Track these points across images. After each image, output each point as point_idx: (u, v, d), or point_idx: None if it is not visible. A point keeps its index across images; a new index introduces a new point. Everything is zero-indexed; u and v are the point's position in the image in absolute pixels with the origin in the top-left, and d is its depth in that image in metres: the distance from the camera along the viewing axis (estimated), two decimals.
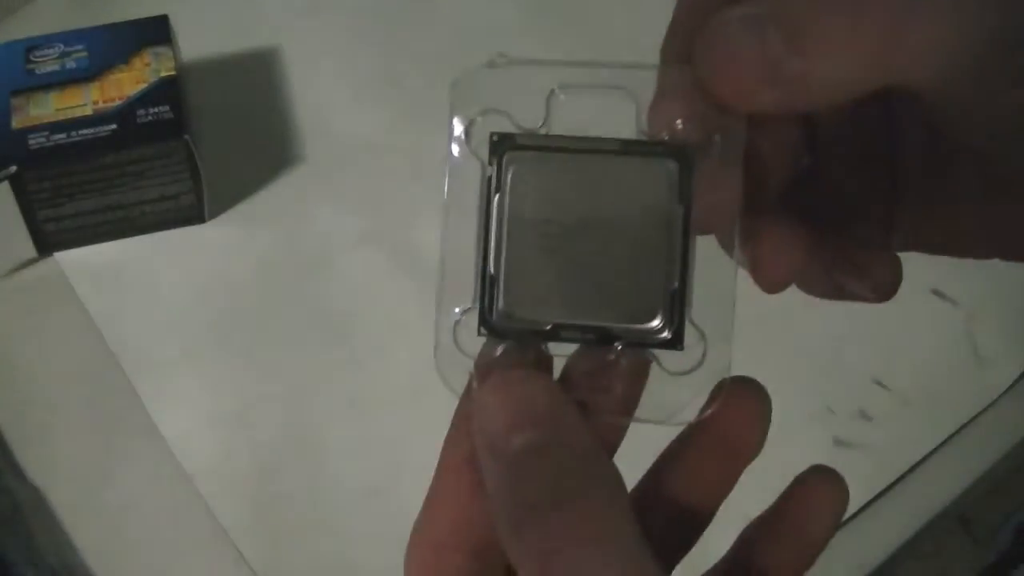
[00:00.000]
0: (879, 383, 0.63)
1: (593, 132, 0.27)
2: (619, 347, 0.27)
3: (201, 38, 0.72)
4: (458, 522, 0.27)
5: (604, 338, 0.27)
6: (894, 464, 0.61)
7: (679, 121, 0.27)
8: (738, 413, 0.28)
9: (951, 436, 0.62)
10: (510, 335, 0.27)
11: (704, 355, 0.27)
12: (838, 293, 0.31)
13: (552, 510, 0.24)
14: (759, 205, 0.28)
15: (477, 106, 0.28)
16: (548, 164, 0.27)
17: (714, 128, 0.27)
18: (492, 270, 0.27)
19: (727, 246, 0.28)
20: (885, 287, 0.31)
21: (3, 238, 0.65)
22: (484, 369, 0.27)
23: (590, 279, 0.27)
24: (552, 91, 0.28)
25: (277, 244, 0.67)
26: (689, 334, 0.27)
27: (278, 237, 0.67)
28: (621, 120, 0.28)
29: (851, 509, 0.60)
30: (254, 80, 0.74)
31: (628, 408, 0.28)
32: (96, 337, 0.63)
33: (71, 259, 0.66)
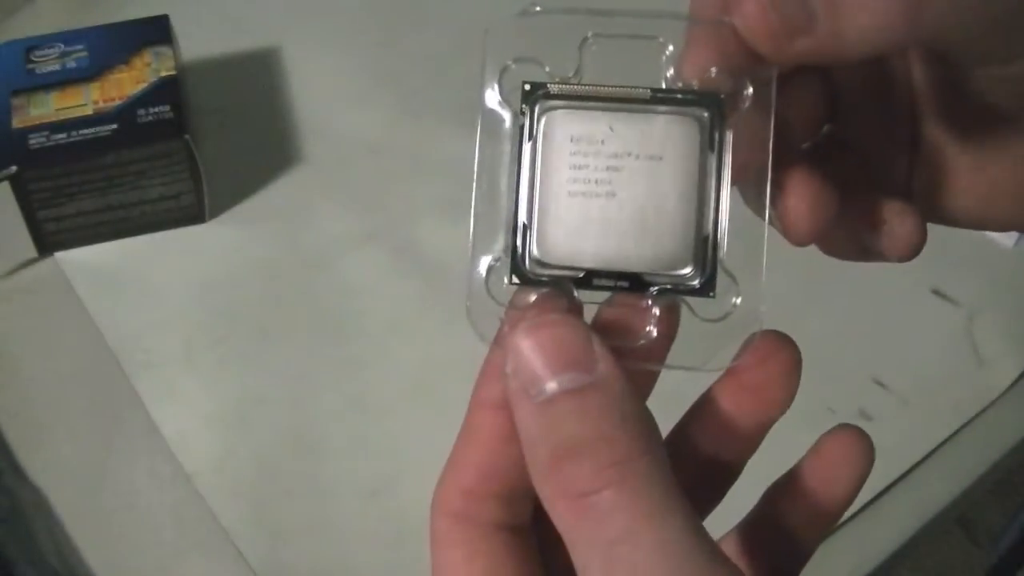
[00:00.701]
0: (879, 383, 0.63)
1: (624, 81, 0.27)
2: (652, 293, 0.27)
3: (201, 38, 0.72)
4: (486, 468, 0.27)
5: (636, 285, 0.27)
6: (894, 464, 0.61)
7: (711, 70, 0.27)
8: (769, 365, 0.29)
9: (951, 436, 0.62)
10: (542, 283, 0.27)
11: (736, 303, 0.27)
12: (863, 254, 0.31)
13: (589, 451, 0.24)
14: (786, 164, 0.28)
15: (510, 54, 0.28)
16: (580, 112, 0.27)
17: (744, 79, 0.27)
18: (524, 218, 0.27)
19: (753, 201, 0.28)
20: (910, 244, 0.31)
21: (3, 238, 0.65)
22: (516, 316, 0.27)
23: (622, 227, 0.27)
24: (584, 39, 0.28)
25: (277, 244, 0.67)
26: (721, 283, 0.27)
27: (278, 237, 0.67)
28: (652, 69, 0.28)
29: (851, 509, 0.60)
30: (254, 80, 0.74)
31: (660, 355, 0.28)
32: (96, 337, 0.63)
33: (71, 259, 0.66)
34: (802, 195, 0.28)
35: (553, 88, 0.28)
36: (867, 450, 0.30)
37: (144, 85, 0.64)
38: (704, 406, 0.30)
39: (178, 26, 0.68)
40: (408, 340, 0.63)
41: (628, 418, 0.25)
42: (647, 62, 0.28)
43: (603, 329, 0.27)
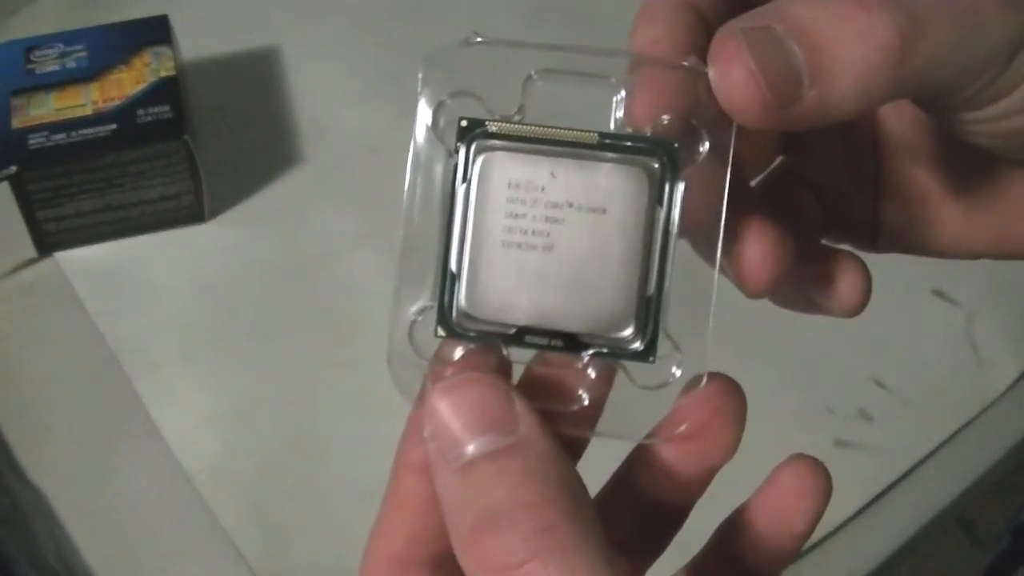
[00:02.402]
0: (879, 383, 0.63)
1: (571, 123, 0.25)
2: (587, 356, 0.26)
3: (201, 38, 0.72)
4: (415, 534, 0.26)
5: (571, 345, 0.26)
6: (894, 464, 0.61)
7: (664, 117, 0.25)
8: (713, 417, 0.27)
9: (951, 436, 0.62)
10: (470, 337, 0.26)
11: (675, 373, 0.26)
12: (806, 306, 0.30)
13: (510, 520, 0.23)
14: (737, 205, 0.27)
15: (448, 87, 0.26)
16: (520, 155, 0.25)
17: (701, 129, 0.25)
18: (454, 266, 0.25)
19: (704, 251, 0.27)
20: (852, 304, 0.30)
21: (3, 238, 0.65)
22: (439, 372, 0.25)
23: (559, 282, 0.25)
24: (529, 76, 0.26)
25: (277, 244, 0.67)
26: (663, 347, 0.26)
27: (278, 237, 0.67)
28: (601, 112, 0.26)
29: (851, 509, 0.60)
30: (254, 80, 0.74)
31: (591, 420, 0.26)
32: (96, 337, 0.63)
33: (71, 259, 0.66)
34: (759, 244, 0.27)
35: (492, 127, 0.25)
36: (823, 482, 0.28)
37: (144, 85, 0.64)
38: (645, 455, 0.28)
39: (178, 26, 0.68)
40: None
41: (552, 482, 0.23)
42: (596, 103, 0.26)
43: (532, 390, 0.25)
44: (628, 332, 0.26)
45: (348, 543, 0.59)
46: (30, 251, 0.65)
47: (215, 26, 0.75)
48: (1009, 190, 0.31)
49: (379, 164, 0.70)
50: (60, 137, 0.62)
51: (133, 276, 0.66)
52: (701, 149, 0.25)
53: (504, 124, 0.25)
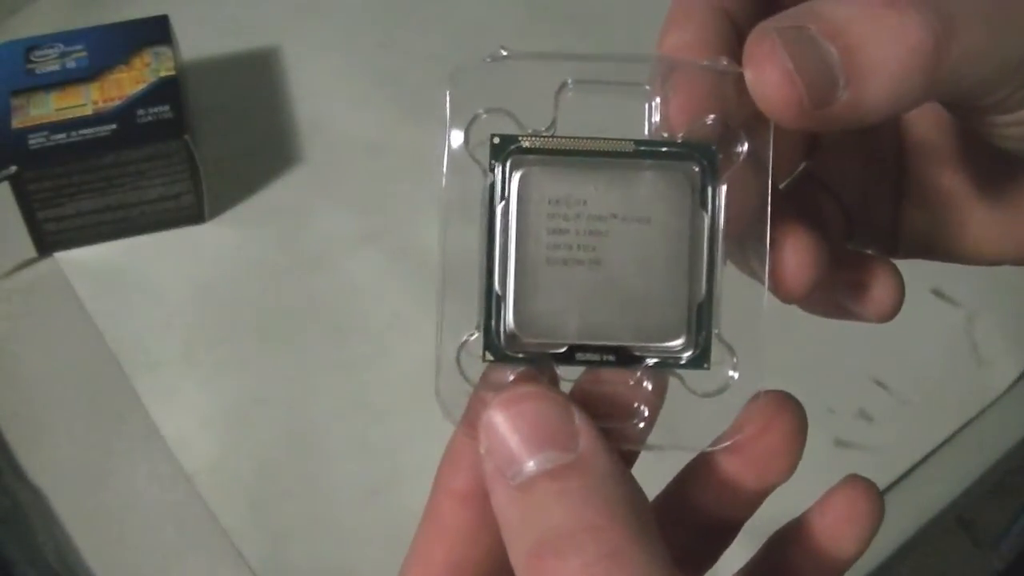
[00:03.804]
0: (879, 383, 0.63)
1: (605, 133, 0.25)
2: (642, 367, 0.25)
3: (201, 38, 0.72)
4: (456, 564, 0.26)
5: (623, 359, 0.25)
6: (894, 464, 0.61)
7: (701, 120, 0.25)
8: (770, 436, 0.27)
9: (951, 436, 0.62)
10: (519, 359, 0.25)
11: (733, 377, 0.25)
12: (838, 312, 0.30)
13: (574, 544, 0.22)
14: (773, 213, 0.27)
15: (477, 103, 0.25)
16: (556, 169, 0.25)
17: (739, 130, 0.25)
18: (498, 288, 0.25)
19: (737, 257, 0.27)
20: (886, 309, 0.30)
21: (3, 238, 0.65)
22: (487, 395, 0.24)
23: (606, 295, 0.25)
24: (561, 87, 0.25)
25: (277, 244, 0.67)
26: (716, 354, 0.25)
27: (278, 237, 0.67)
28: (636, 119, 0.25)
29: None
30: (254, 80, 0.74)
31: (644, 433, 0.26)
32: (96, 337, 0.63)
33: (71, 259, 0.66)
34: (796, 249, 0.27)
35: (525, 142, 0.25)
36: (877, 505, 0.28)
37: (144, 85, 0.64)
38: (702, 467, 0.28)
39: (178, 26, 0.68)
40: (408, 340, 0.63)
41: (616, 502, 0.22)
42: (628, 112, 0.25)
43: (586, 408, 0.24)
44: (681, 341, 0.25)
45: (348, 543, 0.59)
46: (30, 251, 0.65)
47: (215, 26, 0.75)
48: None
49: (379, 164, 0.70)
50: (60, 137, 0.62)
51: (133, 276, 0.66)
52: (739, 150, 0.25)
53: (538, 138, 0.25)
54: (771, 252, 0.26)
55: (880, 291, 0.30)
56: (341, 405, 0.61)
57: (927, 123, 0.31)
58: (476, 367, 0.25)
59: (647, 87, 0.25)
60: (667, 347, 0.25)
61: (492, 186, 0.25)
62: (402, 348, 0.63)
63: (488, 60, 0.25)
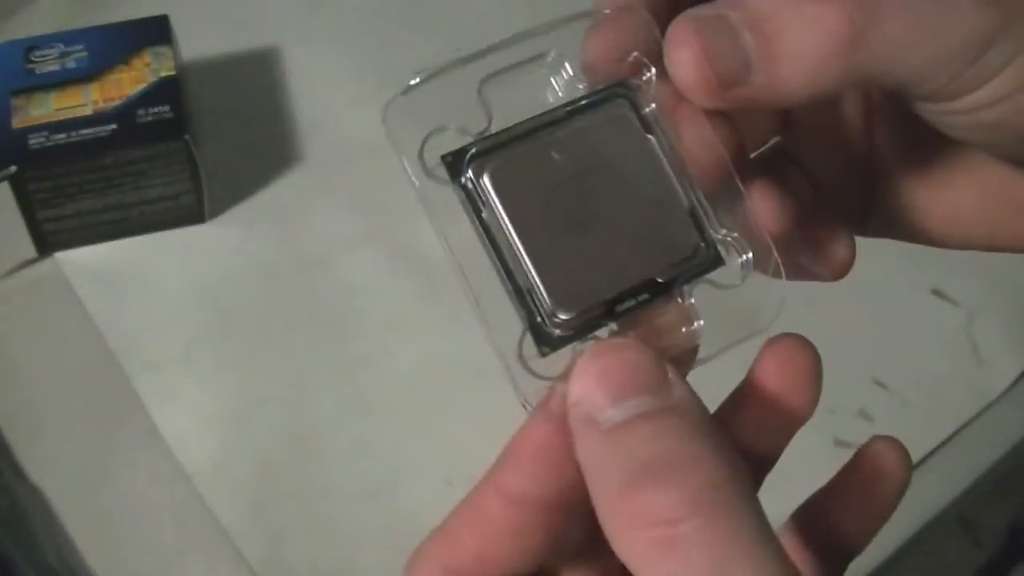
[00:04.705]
0: (879, 383, 0.63)
1: (535, 109, 0.27)
2: (677, 289, 0.26)
3: (201, 38, 0.72)
4: (486, 555, 0.25)
5: (656, 290, 0.26)
6: None
7: (610, 60, 0.27)
8: (786, 374, 0.27)
9: (951, 436, 0.62)
10: (573, 337, 0.26)
11: (748, 259, 0.27)
12: (795, 272, 0.31)
13: (673, 474, 0.22)
14: (743, 169, 0.28)
15: (415, 132, 0.26)
16: (514, 155, 0.26)
17: (643, 62, 0.27)
18: (522, 283, 0.26)
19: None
20: (841, 266, 0.31)
21: (3, 238, 0.65)
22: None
23: (615, 242, 0.26)
24: (480, 85, 0.26)
25: (277, 244, 0.67)
26: (725, 249, 0.27)
27: (278, 237, 0.67)
28: (555, 87, 0.27)
29: None
30: (254, 80, 0.74)
31: (693, 354, 0.27)
32: (96, 337, 0.63)
33: (71, 259, 0.66)
34: (765, 197, 0.28)
35: (474, 148, 0.26)
36: (906, 457, 0.30)
37: (144, 85, 0.64)
38: (728, 413, 0.28)
39: (178, 26, 0.68)
40: (408, 340, 0.63)
41: (714, 439, 0.22)
42: (547, 82, 0.27)
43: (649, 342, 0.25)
44: (691, 251, 0.27)
45: (348, 543, 0.59)
46: (30, 251, 0.65)
47: (215, 26, 0.75)
48: (996, 184, 0.31)
49: (379, 164, 0.70)
50: (60, 137, 0.62)
51: (133, 276, 0.66)
52: (646, 76, 0.27)
53: (482, 140, 0.26)
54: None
55: (836, 248, 0.31)
56: (341, 405, 0.61)
57: (896, 103, 0.31)
58: (539, 364, 0.26)
59: (552, 54, 0.27)
60: (685, 260, 0.27)
61: (469, 199, 0.26)
62: (402, 348, 0.63)
63: (402, 94, 0.26)
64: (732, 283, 0.27)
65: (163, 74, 0.65)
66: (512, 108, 0.26)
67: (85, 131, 0.62)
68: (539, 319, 0.26)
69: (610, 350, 0.24)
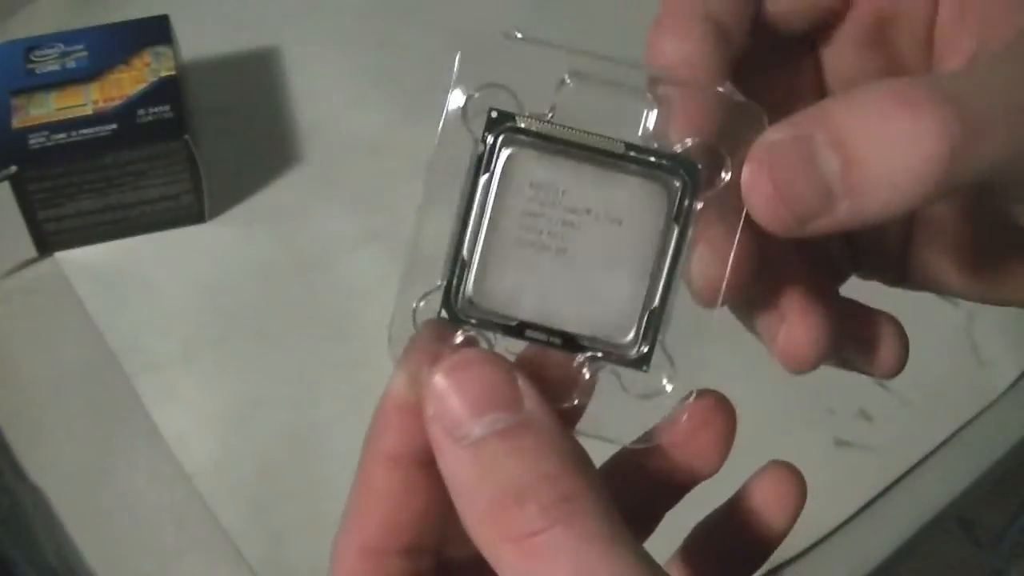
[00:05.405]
0: (879, 383, 0.63)
1: (599, 129, 0.26)
2: (583, 358, 0.26)
3: (201, 38, 0.72)
4: (390, 524, 0.26)
5: (569, 345, 0.26)
6: (894, 464, 0.61)
7: (692, 139, 0.25)
8: (701, 436, 0.28)
9: (951, 436, 0.62)
10: (471, 324, 0.26)
11: (667, 388, 0.26)
12: (842, 364, 0.31)
13: (532, 491, 0.23)
14: (784, 279, 0.27)
15: (482, 76, 0.26)
16: (544, 155, 0.26)
17: (726, 157, 0.25)
18: (465, 254, 0.26)
19: (738, 312, 0.27)
20: (892, 367, 0.30)
21: (3, 238, 0.65)
22: (426, 349, 0.26)
23: (566, 283, 0.26)
24: (563, 79, 0.26)
25: (277, 244, 0.67)
26: (657, 361, 0.26)
27: (278, 237, 0.67)
28: (630, 122, 0.26)
29: (851, 509, 0.60)
30: (254, 80, 0.74)
31: (573, 419, 0.27)
32: (96, 337, 0.63)
33: (71, 259, 0.66)
34: (805, 325, 0.27)
35: (521, 122, 0.25)
36: (800, 484, 0.29)
37: (144, 85, 0.64)
38: (622, 462, 0.29)
39: (178, 26, 0.68)
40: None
41: (566, 455, 0.24)
42: (626, 112, 0.26)
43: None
44: (627, 340, 0.26)
45: None
46: (30, 251, 0.65)
47: (215, 26, 0.75)
48: None
49: (379, 164, 0.70)
50: (60, 137, 0.62)
51: (133, 276, 0.66)
52: (723, 174, 0.26)
53: (533, 121, 0.26)
54: (780, 326, 0.27)
55: (887, 350, 0.30)
56: (341, 405, 0.61)
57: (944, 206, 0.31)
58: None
59: (648, 94, 0.26)
60: (613, 343, 0.26)
61: (480, 157, 0.26)
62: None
63: (502, 38, 0.26)
64: (637, 392, 0.26)
65: (163, 74, 0.65)
66: (578, 115, 0.26)
67: (85, 131, 0.62)
68: (454, 290, 0.26)
69: (463, 365, 0.24)
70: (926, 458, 0.61)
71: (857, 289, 0.32)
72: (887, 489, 0.60)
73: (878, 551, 0.60)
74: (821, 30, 0.29)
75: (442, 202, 0.26)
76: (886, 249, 0.32)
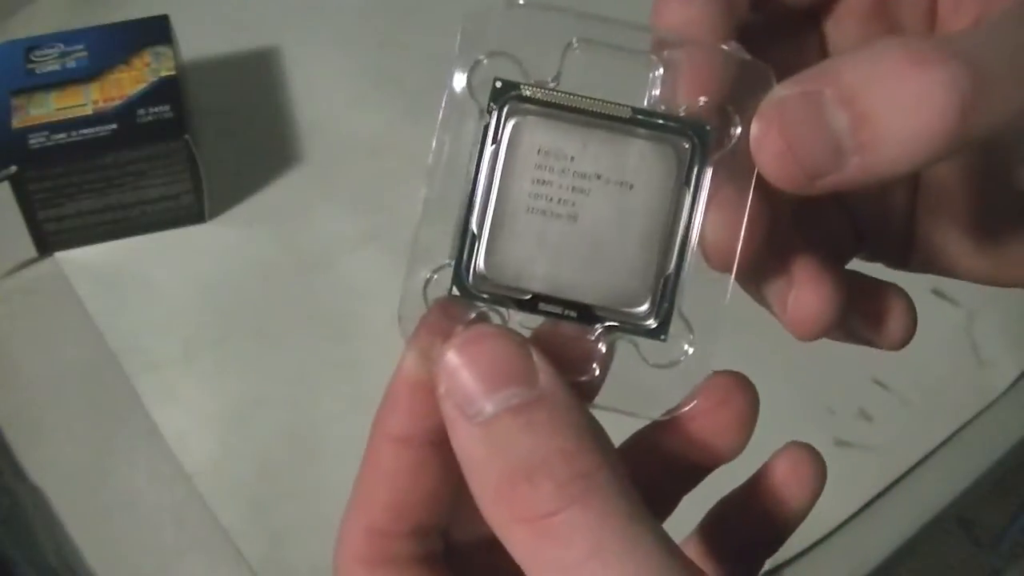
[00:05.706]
0: (879, 383, 0.63)
1: (606, 95, 0.25)
2: (600, 328, 0.26)
3: (201, 38, 0.72)
4: (398, 505, 0.26)
5: (584, 316, 0.25)
6: (894, 464, 0.61)
7: (701, 99, 0.25)
8: (721, 413, 0.27)
9: (951, 436, 0.62)
10: (483, 299, 0.25)
11: (687, 352, 0.26)
12: (849, 338, 0.30)
13: (546, 468, 0.22)
14: (792, 249, 0.27)
15: (486, 46, 0.25)
16: (551, 121, 0.25)
17: (735, 115, 0.25)
18: (475, 227, 0.25)
19: (746, 284, 0.27)
20: (900, 338, 0.30)
21: (3, 238, 0.65)
22: (435, 325, 0.25)
23: (579, 253, 0.25)
24: (569, 43, 0.25)
25: (277, 244, 0.67)
26: (675, 328, 0.26)
27: (278, 237, 0.67)
28: (637, 86, 0.26)
29: (851, 509, 0.60)
30: (254, 80, 0.74)
31: (594, 390, 0.26)
32: (96, 337, 0.63)
33: (71, 259, 0.66)
34: (816, 292, 0.27)
35: (527, 90, 0.25)
36: (820, 465, 0.28)
37: (144, 85, 0.64)
38: (642, 443, 0.28)
39: (178, 26, 0.68)
40: None
41: (582, 430, 0.23)
42: (633, 77, 0.26)
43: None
44: (643, 309, 0.26)
45: None
46: (30, 251, 0.65)
47: (215, 26, 0.75)
48: None
49: (379, 164, 0.70)
50: (60, 137, 0.62)
51: (133, 276, 0.66)
52: (733, 132, 0.25)
53: (539, 89, 0.25)
54: (791, 293, 0.27)
55: (894, 322, 0.30)
56: (341, 405, 0.61)
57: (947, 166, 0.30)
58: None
59: (653, 57, 0.26)
60: (629, 312, 0.26)
61: (486, 128, 0.25)
62: (402, 348, 0.63)
63: (504, 6, 0.25)
64: (656, 361, 0.26)
65: (163, 74, 0.65)
66: (584, 81, 0.25)
67: (85, 131, 0.62)
68: (464, 264, 0.25)
69: (475, 340, 0.24)
70: (926, 458, 0.61)
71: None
72: (887, 489, 0.60)
73: (878, 551, 0.60)
74: (824, 4, 0.29)
75: (449, 176, 0.26)
76: (891, 224, 0.31)
